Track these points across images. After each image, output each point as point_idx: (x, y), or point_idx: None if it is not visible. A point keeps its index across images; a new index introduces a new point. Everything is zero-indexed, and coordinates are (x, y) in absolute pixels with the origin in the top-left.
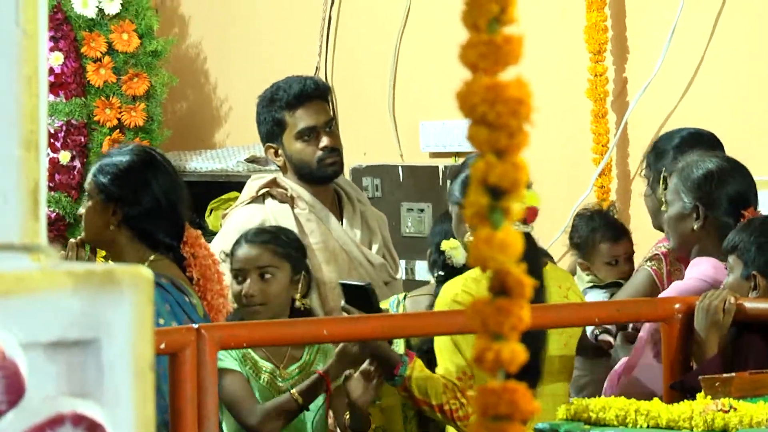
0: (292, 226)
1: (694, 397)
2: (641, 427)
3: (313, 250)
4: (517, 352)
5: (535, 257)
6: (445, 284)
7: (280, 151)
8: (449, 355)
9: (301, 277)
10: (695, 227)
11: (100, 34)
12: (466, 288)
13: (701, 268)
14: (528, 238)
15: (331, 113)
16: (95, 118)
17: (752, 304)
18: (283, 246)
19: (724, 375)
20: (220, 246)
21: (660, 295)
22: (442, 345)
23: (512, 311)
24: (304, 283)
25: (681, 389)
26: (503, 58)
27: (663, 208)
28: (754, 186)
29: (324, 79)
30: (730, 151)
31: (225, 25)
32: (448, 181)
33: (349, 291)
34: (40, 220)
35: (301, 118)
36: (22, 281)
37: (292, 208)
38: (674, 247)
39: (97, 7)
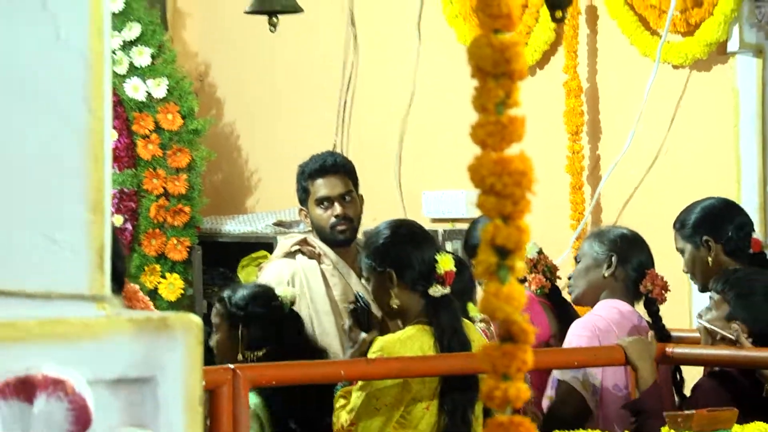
0: (318, 279)
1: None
2: None
3: (337, 302)
4: (522, 390)
5: (458, 316)
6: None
7: (307, 215)
8: (361, 409)
9: (239, 333)
10: (606, 275)
11: (149, 115)
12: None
13: (607, 305)
14: (448, 298)
15: (350, 186)
16: (144, 187)
17: (679, 350)
18: (225, 308)
19: (686, 411)
20: None
21: (571, 329)
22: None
23: (517, 355)
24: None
25: (630, 410)
26: (509, 137)
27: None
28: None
29: (344, 156)
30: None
31: (255, 107)
32: (447, 242)
33: (354, 303)
34: (105, 273)
35: (319, 188)
36: (90, 327)
37: (319, 264)
38: (581, 292)
39: (146, 91)
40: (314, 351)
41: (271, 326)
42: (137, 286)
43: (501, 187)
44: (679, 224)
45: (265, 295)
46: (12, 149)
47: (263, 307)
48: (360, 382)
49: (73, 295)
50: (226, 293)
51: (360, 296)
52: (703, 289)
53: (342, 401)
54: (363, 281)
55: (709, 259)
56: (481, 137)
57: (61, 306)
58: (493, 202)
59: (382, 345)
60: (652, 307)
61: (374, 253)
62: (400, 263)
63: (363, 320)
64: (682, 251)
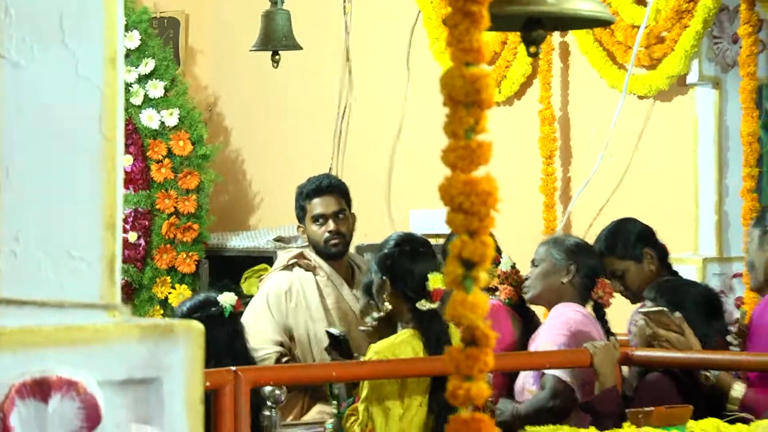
0: (314, 289)
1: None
2: None
3: (330, 311)
4: (482, 390)
5: (443, 327)
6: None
7: (304, 231)
8: (366, 415)
9: None
10: (564, 281)
11: (162, 142)
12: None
13: (570, 308)
14: (434, 312)
15: (344, 205)
16: (157, 207)
17: (640, 353)
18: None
19: (646, 408)
20: (257, 301)
21: (542, 327)
22: (372, 407)
23: (480, 357)
24: None
25: (586, 410)
26: (477, 160)
27: None
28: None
29: (338, 178)
30: None
31: (258, 135)
32: None
33: (331, 336)
34: (116, 284)
35: (315, 207)
36: (100, 332)
37: (315, 275)
38: (538, 293)
39: (160, 120)
40: (244, 352)
41: (207, 332)
42: None
43: (468, 205)
44: (609, 248)
45: (205, 303)
46: (34, 172)
47: (202, 312)
48: (363, 395)
49: (87, 303)
50: (177, 306)
51: (333, 332)
52: (635, 300)
53: (351, 419)
54: (354, 291)
55: (652, 267)
56: (451, 160)
57: (75, 313)
58: (460, 219)
59: (378, 349)
60: (600, 312)
61: (377, 259)
62: (395, 274)
63: (344, 349)
64: (621, 271)
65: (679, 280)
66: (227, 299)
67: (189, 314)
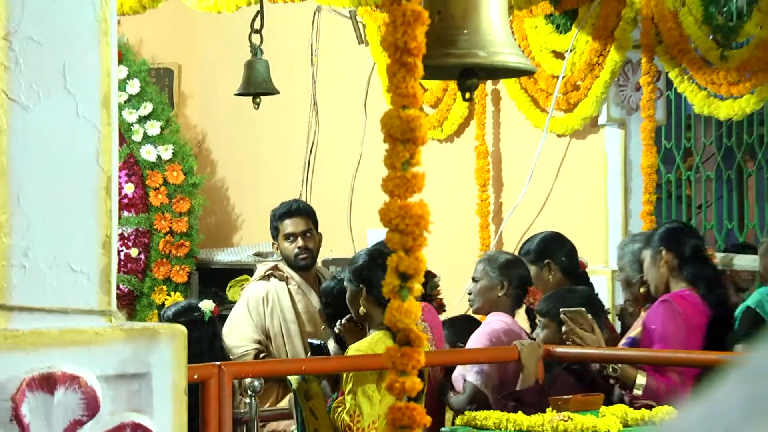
0: (286, 296)
1: (523, 404)
2: (511, 430)
3: (300, 314)
4: (415, 383)
5: None
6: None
7: (278, 247)
8: (355, 400)
9: None
10: (500, 295)
11: (159, 172)
12: (361, 348)
13: (499, 318)
14: None
15: (311, 225)
16: (155, 227)
17: (560, 350)
18: (160, 321)
19: (565, 396)
20: (239, 306)
21: (475, 333)
22: (358, 387)
23: (413, 356)
24: None
25: (513, 399)
26: (411, 188)
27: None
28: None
29: (306, 203)
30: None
31: (240, 166)
32: None
33: (312, 345)
34: (112, 293)
35: (286, 227)
36: (98, 335)
37: (287, 285)
38: (480, 306)
39: (157, 154)
40: (221, 350)
41: (189, 333)
42: None
43: (403, 226)
44: (525, 252)
45: (188, 309)
46: (41, 199)
47: (185, 317)
48: (348, 388)
49: (86, 310)
50: (162, 311)
51: (314, 342)
52: None
53: (339, 409)
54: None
55: (550, 277)
56: (389, 188)
57: (77, 319)
58: (397, 238)
59: (358, 347)
60: (532, 315)
61: (352, 271)
62: (371, 283)
63: (324, 355)
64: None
65: (563, 289)
66: (207, 306)
67: (174, 318)
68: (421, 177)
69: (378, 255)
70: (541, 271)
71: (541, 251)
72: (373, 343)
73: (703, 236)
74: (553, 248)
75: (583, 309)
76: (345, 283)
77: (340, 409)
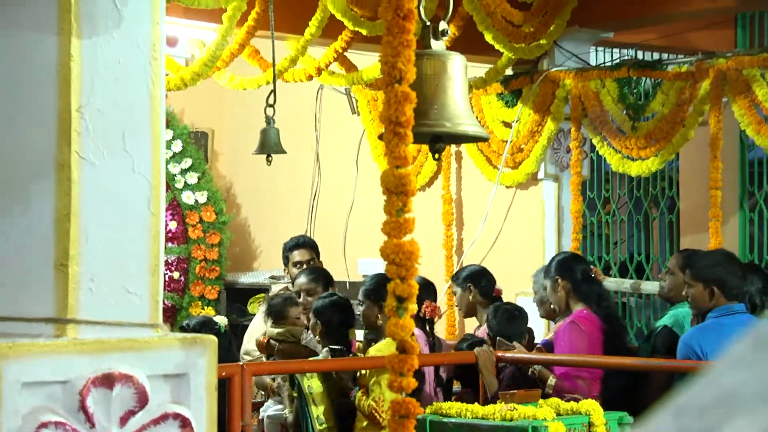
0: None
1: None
2: (468, 417)
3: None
4: (411, 383)
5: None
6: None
7: (288, 272)
8: (380, 389)
9: None
10: (471, 299)
11: (196, 212)
12: (381, 349)
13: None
14: None
15: (314, 255)
16: (192, 255)
17: (508, 355)
18: (184, 331)
19: (511, 391)
20: (257, 318)
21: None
22: (382, 379)
23: (408, 360)
24: None
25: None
26: (404, 230)
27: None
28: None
29: (311, 237)
30: (506, 277)
31: (259, 208)
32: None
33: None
34: (159, 310)
35: (295, 256)
36: (148, 343)
37: None
38: (464, 312)
39: (195, 199)
40: (235, 354)
41: None
42: None
43: (399, 260)
44: (455, 278)
45: (207, 322)
46: (104, 237)
47: (208, 328)
48: (372, 381)
49: (139, 323)
50: (184, 322)
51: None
52: (466, 316)
53: (363, 398)
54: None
55: (470, 297)
56: (387, 230)
57: (131, 330)
58: (394, 269)
59: (379, 347)
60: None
61: (367, 291)
62: (383, 298)
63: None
64: (455, 293)
65: (496, 305)
66: (222, 320)
67: (197, 329)
68: (412, 221)
69: (383, 277)
70: (464, 292)
71: (466, 278)
72: (389, 344)
73: (593, 262)
74: (477, 277)
75: (515, 344)
76: (361, 299)
77: (364, 399)
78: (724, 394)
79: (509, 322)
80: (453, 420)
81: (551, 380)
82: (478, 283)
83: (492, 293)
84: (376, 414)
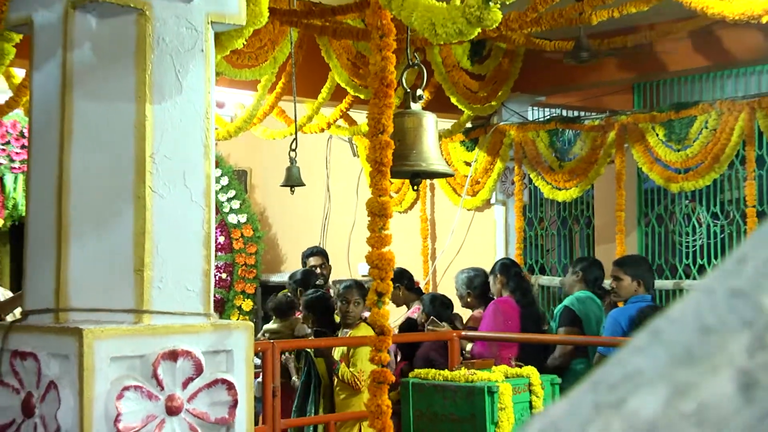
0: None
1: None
2: (440, 380)
3: None
4: (385, 358)
5: None
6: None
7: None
8: (361, 364)
9: None
10: (401, 294)
11: (238, 229)
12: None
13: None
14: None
15: (325, 260)
16: (236, 261)
17: (463, 333)
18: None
19: (471, 360)
20: None
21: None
22: (361, 357)
23: (384, 340)
24: None
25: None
26: (384, 243)
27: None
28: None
29: (323, 247)
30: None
31: (285, 227)
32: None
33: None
34: (210, 303)
35: (310, 261)
36: (203, 327)
37: None
38: (398, 304)
39: (237, 219)
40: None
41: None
42: None
43: (379, 265)
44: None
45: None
46: (170, 249)
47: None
48: (354, 357)
49: (195, 312)
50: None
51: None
52: (398, 306)
53: (345, 368)
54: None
55: (400, 293)
56: (371, 243)
57: (190, 318)
58: (376, 272)
59: (355, 333)
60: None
61: (362, 290)
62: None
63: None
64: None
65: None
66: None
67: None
68: (389, 236)
69: (359, 284)
70: (397, 290)
71: (393, 279)
72: (364, 329)
73: (530, 265)
74: (399, 277)
75: (444, 324)
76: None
77: (347, 370)
78: (628, 373)
79: (441, 307)
80: (429, 382)
81: (468, 347)
82: (403, 281)
83: (413, 286)
84: (356, 381)
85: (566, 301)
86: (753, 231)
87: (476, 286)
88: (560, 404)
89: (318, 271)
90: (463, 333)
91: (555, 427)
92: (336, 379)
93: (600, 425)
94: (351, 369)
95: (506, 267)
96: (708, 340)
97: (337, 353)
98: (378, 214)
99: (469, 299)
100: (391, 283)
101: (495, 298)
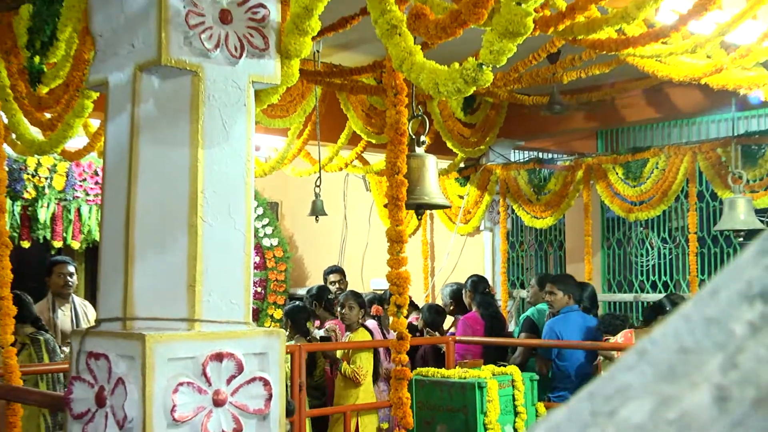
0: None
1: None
2: (438, 377)
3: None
4: (404, 358)
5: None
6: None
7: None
8: (360, 361)
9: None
10: (469, 302)
11: (271, 251)
12: (354, 338)
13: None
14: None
15: (343, 277)
16: (269, 277)
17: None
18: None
19: (465, 360)
20: None
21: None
22: (360, 355)
23: (403, 344)
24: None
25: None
26: (401, 264)
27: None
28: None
29: (341, 266)
30: None
31: (311, 250)
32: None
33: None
34: (249, 312)
35: (330, 278)
36: (243, 333)
37: None
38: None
39: (270, 242)
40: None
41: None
42: None
43: (398, 282)
44: (373, 298)
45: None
46: (217, 269)
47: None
48: (354, 357)
49: (238, 321)
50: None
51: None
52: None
53: (347, 366)
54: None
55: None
56: (390, 264)
57: (233, 326)
58: (394, 288)
59: (354, 337)
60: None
61: (363, 301)
62: (363, 305)
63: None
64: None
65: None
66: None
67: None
68: (405, 259)
69: (355, 294)
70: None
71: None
72: (362, 334)
73: (512, 282)
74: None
75: (435, 333)
76: (351, 305)
77: (346, 367)
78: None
79: (436, 315)
80: (429, 378)
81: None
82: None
83: (410, 301)
84: (357, 376)
85: (528, 312)
86: (699, 258)
87: (458, 298)
88: (561, 411)
89: (337, 286)
90: (458, 338)
91: (558, 430)
92: (338, 374)
93: (597, 430)
94: (351, 366)
95: (475, 284)
96: (687, 359)
97: (338, 352)
98: (396, 240)
99: (451, 307)
100: (408, 296)
101: (468, 308)
